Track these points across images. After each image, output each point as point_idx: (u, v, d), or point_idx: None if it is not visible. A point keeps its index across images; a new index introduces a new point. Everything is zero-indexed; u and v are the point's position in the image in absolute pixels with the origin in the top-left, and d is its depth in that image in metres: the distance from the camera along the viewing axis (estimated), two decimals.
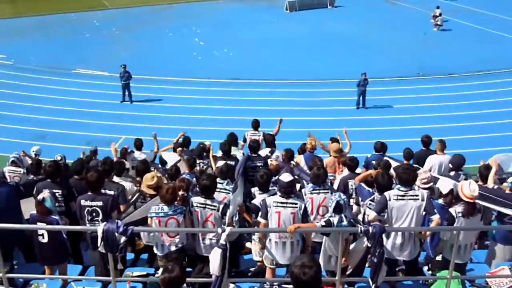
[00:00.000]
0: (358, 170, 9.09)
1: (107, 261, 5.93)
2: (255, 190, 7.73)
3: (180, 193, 6.86)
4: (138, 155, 11.13)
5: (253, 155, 9.86)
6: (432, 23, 34.23)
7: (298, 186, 8.24)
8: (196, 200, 6.66)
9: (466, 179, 8.02)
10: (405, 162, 9.52)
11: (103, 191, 6.95)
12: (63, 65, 27.40)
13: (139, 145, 11.45)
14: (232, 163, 9.26)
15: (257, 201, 7.06)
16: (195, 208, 6.60)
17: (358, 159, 9.18)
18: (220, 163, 8.97)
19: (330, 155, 10.76)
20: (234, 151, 10.59)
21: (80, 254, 7.77)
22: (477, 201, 6.62)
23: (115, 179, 8.49)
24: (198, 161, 10.18)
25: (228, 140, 10.72)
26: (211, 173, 8.30)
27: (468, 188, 6.50)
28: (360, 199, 7.82)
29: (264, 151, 10.68)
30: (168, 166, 10.49)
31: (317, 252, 6.85)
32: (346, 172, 9.05)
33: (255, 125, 12.47)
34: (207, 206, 6.59)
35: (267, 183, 7.28)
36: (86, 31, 35.48)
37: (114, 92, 23.01)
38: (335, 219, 6.09)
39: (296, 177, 8.15)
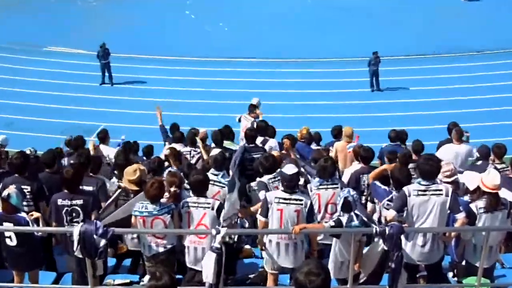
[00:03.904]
0: (372, 163, 9.02)
1: (84, 268, 5.91)
2: (253, 184, 7.78)
3: (172, 189, 6.83)
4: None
5: (251, 145, 9.69)
6: None
7: (302, 180, 8.20)
8: (187, 200, 6.60)
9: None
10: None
11: (81, 187, 6.92)
12: (33, 42, 27.25)
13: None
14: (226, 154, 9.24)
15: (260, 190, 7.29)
16: (186, 209, 6.53)
17: (374, 151, 9.11)
18: (215, 151, 8.90)
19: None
20: (228, 145, 10.44)
21: (53, 260, 7.74)
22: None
23: None
24: (189, 149, 10.15)
25: (220, 130, 10.59)
26: (201, 169, 8.29)
27: (488, 177, 6.48)
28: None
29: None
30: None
31: (325, 256, 6.84)
32: (358, 165, 8.99)
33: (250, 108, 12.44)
34: (199, 205, 6.51)
35: (274, 165, 7.57)
36: (58, 2, 35.24)
37: (92, 73, 22.95)
38: (344, 219, 6.09)
39: (301, 169, 8.12)
